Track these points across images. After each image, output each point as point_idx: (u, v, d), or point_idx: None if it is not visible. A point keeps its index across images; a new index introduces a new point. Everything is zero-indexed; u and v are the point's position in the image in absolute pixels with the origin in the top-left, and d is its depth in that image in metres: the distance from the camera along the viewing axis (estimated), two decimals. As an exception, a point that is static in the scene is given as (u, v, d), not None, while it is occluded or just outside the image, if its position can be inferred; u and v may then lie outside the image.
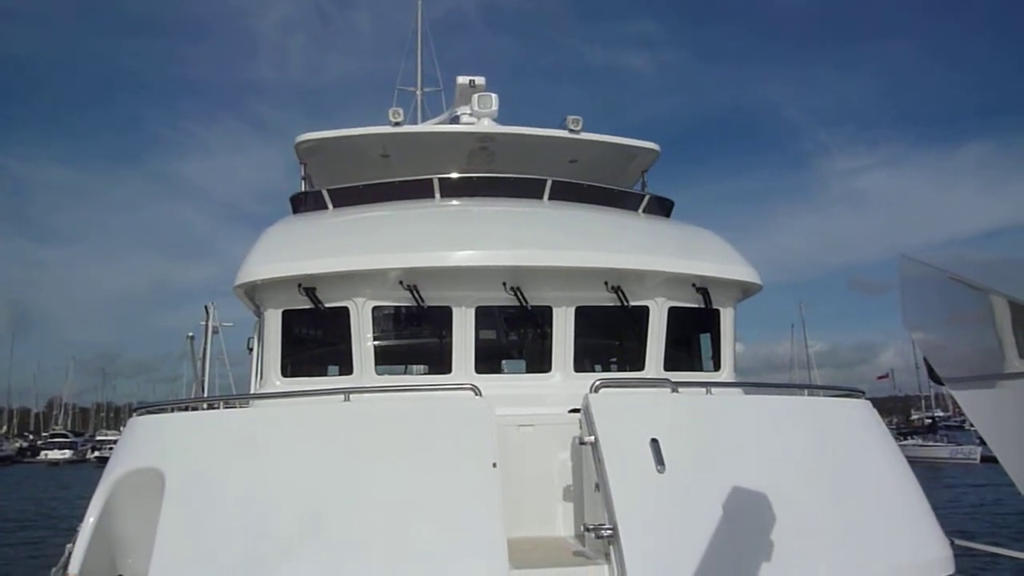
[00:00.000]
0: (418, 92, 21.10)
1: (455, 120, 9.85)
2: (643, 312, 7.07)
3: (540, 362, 7.03)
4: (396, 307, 6.77)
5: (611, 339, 7.73)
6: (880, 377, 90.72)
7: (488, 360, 6.99)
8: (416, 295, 6.59)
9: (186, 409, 6.47)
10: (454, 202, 7.88)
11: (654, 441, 4.67)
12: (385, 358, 6.88)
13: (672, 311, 7.10)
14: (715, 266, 7.16)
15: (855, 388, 6.31)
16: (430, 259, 6.55)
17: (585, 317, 7.00)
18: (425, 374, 7.72)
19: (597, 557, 4.63)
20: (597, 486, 4.74)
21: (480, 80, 9.56)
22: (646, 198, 8.63)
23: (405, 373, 8.22)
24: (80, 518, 4.79)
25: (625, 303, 6.93)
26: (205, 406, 7.26)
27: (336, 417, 5.06)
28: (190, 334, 25.78)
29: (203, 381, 21.40)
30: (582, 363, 7.05)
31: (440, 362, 6.84)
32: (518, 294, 6.71)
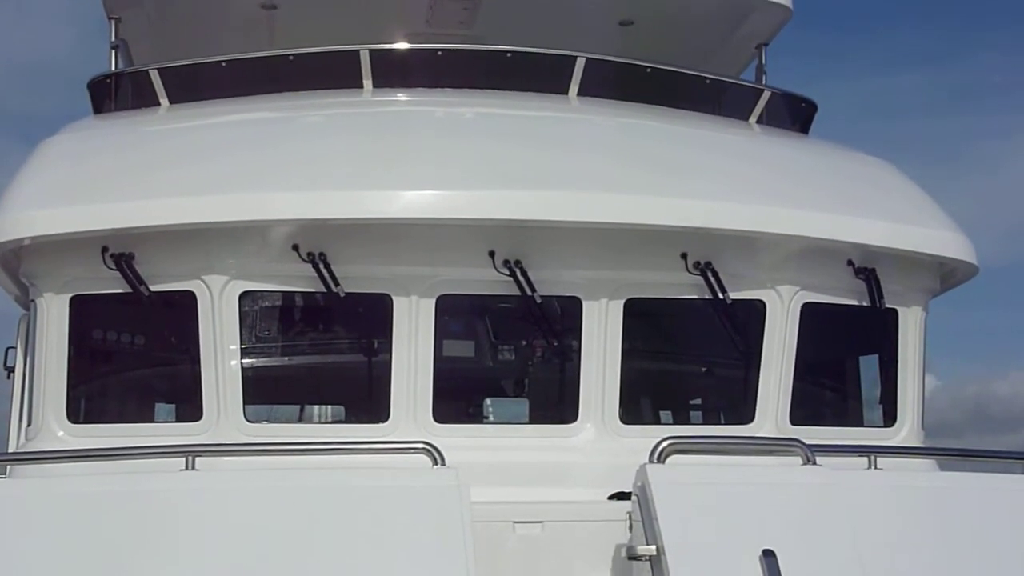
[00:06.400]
0: None
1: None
2: (753, 312, 5.46)
3: (556, 402, 5.60)
4: (285, 294, 5.48)
5: (691, 362, 6.26)
6: None
7: (459, 397, 5.71)
8: (324, 272, 5.11)
9: None
10: (399, 96, 6.39)
11: (769, 554, 3.75)
12: (264, 391, 5.56)
13: (809, 311, 5.44)
14: (895, 228, 5.50)
15: None
16: (351, 205, 5.11)
17: (643, 319, 5.47)
18: (339, 422, 6.75)
19: None
20: None
21: None
22: (765, 96, 6.72)
23: (300, 420, 6.94)
24: None
25: (721, 294, 5.29)
26: None
27: (172, 504, 3.98)
28: None
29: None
30: (635, 406, 5.70)
31: (367, 400, 5.46)
32: (517, 273, 5.18)
